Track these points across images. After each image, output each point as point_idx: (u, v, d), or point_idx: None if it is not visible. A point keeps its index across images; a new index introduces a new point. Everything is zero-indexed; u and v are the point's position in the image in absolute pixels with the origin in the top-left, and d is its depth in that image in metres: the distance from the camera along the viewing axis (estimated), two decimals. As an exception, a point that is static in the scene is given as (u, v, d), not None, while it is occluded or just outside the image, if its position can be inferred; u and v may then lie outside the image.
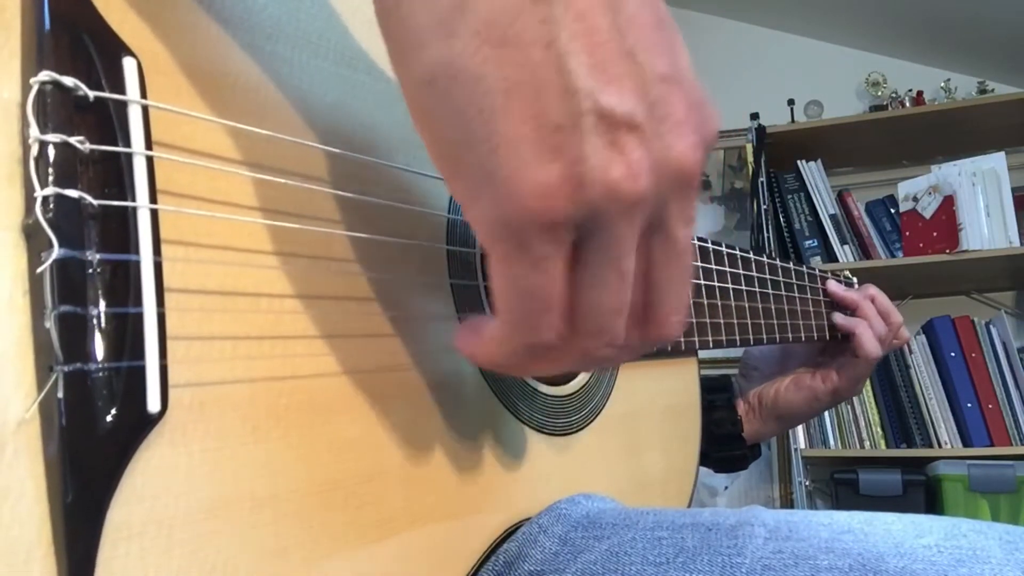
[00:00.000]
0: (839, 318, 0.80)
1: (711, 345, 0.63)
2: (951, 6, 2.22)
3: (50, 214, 0.24)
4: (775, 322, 0.73)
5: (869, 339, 0.78)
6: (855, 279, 0.90)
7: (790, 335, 0.75)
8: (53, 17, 0.25)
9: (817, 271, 0.83)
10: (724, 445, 0.77)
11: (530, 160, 0.23)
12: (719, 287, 0.65)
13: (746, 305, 0.69)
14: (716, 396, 0.78)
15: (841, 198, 2.33)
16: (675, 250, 0.27)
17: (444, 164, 0.25)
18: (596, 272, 0.26)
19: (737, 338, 0.67)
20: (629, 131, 0.23)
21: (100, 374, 0.24)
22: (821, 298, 0.82)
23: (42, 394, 0.23)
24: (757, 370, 0.83)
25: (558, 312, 0.26)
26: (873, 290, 0.83)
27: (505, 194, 0.23)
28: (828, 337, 0.81)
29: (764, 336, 0.71)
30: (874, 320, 0.80)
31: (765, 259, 0.73)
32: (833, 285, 0.83)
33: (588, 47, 0.23)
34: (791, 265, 0.78)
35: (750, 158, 2.31)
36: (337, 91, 0.36)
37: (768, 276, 0.73)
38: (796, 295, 0.77)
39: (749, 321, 0.69)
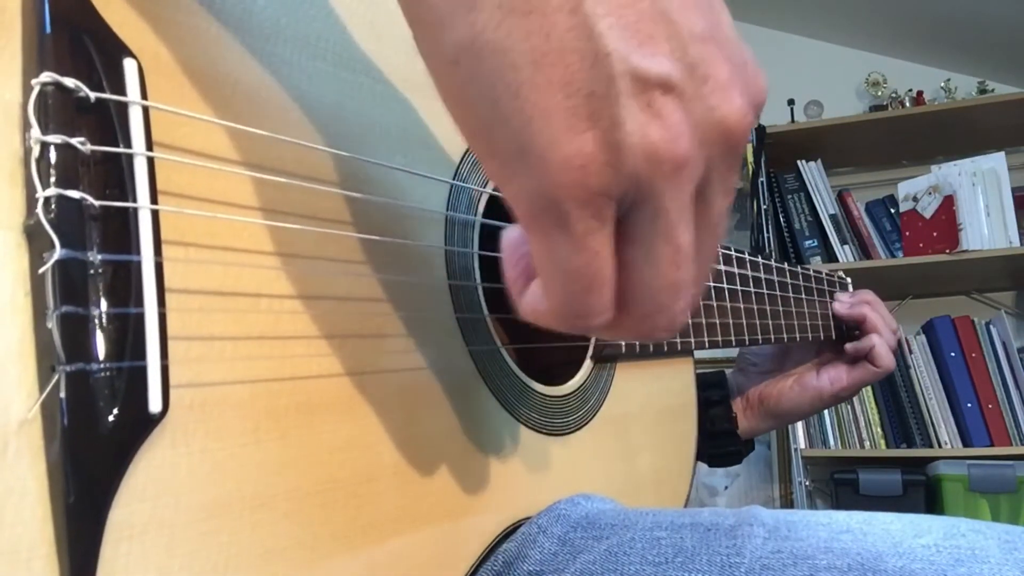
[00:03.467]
0: (852, 346, 0.81)
1: (707, 345, 0.63)
2: (951, 6, 2.22)
3: (52, 215, 0.24)
4: (771, 322, 0.73)
5: (887, 352, 0.79)
6: (849, 279, 0.90)
7: (785, 335, 0.75)
8: (54, 19, 0.25)
9: (812, 271, 0.84)
10: (719, 441, 0.77)
11: (563, 130, 0.22)
12: (715, 287, 0.65)
13: (741, 306, 0.69)
14: (711, 392, 0.78)
15: (841, 198, 2.33)
16: (711, 221, 0.25)
17: (477, 144, 0.25)
18: (647, 247, 0.24)
19: (733, 338, 0.67)
20: (666, 93, 0.22)
21: (102, 374, 0.25)
22: (816, 298, 0.82)
23: (44, 394, 0.24)
24: (755, 366, 0.83)
25: (607, 294, 0.25)
26: (870, 296, 0.84)
27: (540, 167, 0.22)
28: (823, 337, 0.81)
29: (759, 336, 0.71)
30: (885, 331, 0.80)
31: (760, 259, 0.74)
32: (839, 307, 0.83)
33: (617, 8, 0.22)
34: (786, 266, 0.78)
35: (750, 158, 2.31)
36: (336, 92, 0.36)
37: (764, 276, 0.73)
38: (792, 295, 0.78)
39: (745, 321, 0.69)
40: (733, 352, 0.82)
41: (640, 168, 0.22)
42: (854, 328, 0.83)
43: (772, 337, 0.73)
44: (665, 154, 0.22)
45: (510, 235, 0.28)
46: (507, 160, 0.23)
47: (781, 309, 0.75)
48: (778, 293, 0.75)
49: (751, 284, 0.71)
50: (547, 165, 0.22)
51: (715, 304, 0.65)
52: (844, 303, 0.83)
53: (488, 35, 0.22)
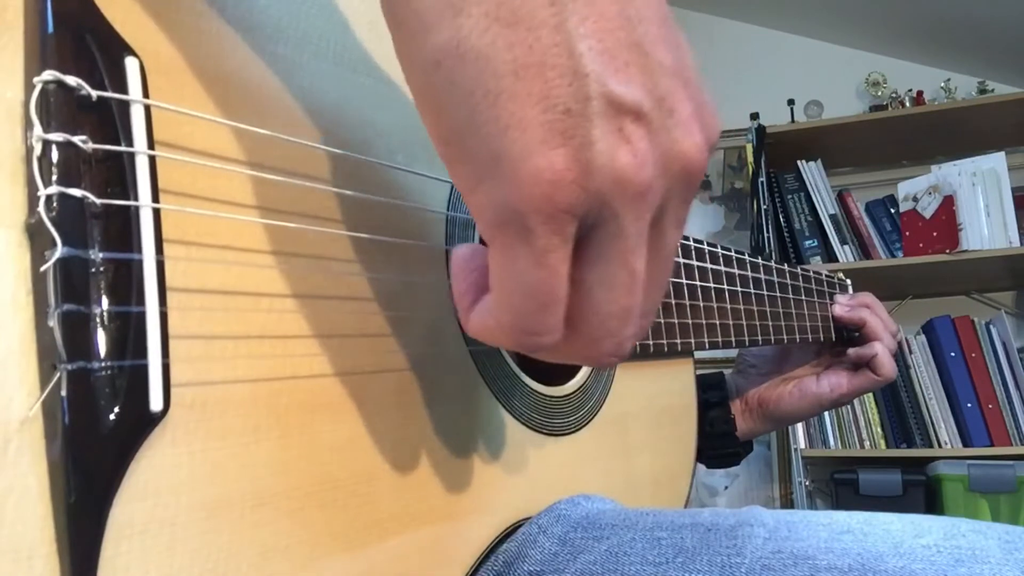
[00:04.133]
0: (855, 351, 0.80)
1: (707, 346, 0.63)
2: (951, 6, 2.22)
3: (53, 213, 0.24)
4: (771, 323, 0.73)
5: (889, 360, 0.79)
6: (849, 281, 0.90)
7: (784, 336, 0.75)
8: (56, 17, 0.25)
9: (812, 272, 0.83)
10: (717, 443, 0.77)
11: (538, 143, 0.22)
12: (715, 288, 0.65)
13: (742, 307, 0.69)
14: (710, 394, 0.78)
15: (841, 198, 2.33)
16: (663, 252, 0.26)
17: (447, 148, 0.25)
18: (603, 269, 0.25)
19: (733, 339, 0.67)
20: (636, 120, 0.23)
21: (103, 372, 0.25)
22: (816, 300, 0.82)
23: (45, 392, 0.24)
24: (754, 367, 0.83)
25: (558, 313, 0.25)
26: (870, 299, 0.84)
27: (511, 177, 0.23)
28: (823, 339, 0.81)
29: (760, 337, 0.71)
30: (885, 336, 0.80)
31: (760, 260, 0.74)
32: (838, 310, 0.83)
33: (597, 32, 0.22)
34: (786, 267, 0.78)
35: (750, 158, 2.31)
36: (338, 92, 0.36)
37: (764, 277, 0.73)
38: (791, 296, 0.78)
39: (745, 322, 0.69)
40: (732, 353, 0.82)
41: (606, 189, 0.23)
42: (854, 330, 0.83)
43: (772, 338, 0.73)
44: (631, 178, 0.23)
45: (460, 251, 0.29)
46: (477, 167, 0.24)
47: (781, 310, 0.75)
48: (778, 295, 0.75)
49: (751, 285, 0.71)
50: (518, 176, 0.23)
51: (715, 305, 0.65)
52: (844, 306, 0.83)
53: (473, 41, 0.22)
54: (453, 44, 0.23)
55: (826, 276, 0.86)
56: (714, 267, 0.65)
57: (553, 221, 0.23)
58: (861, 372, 0.79)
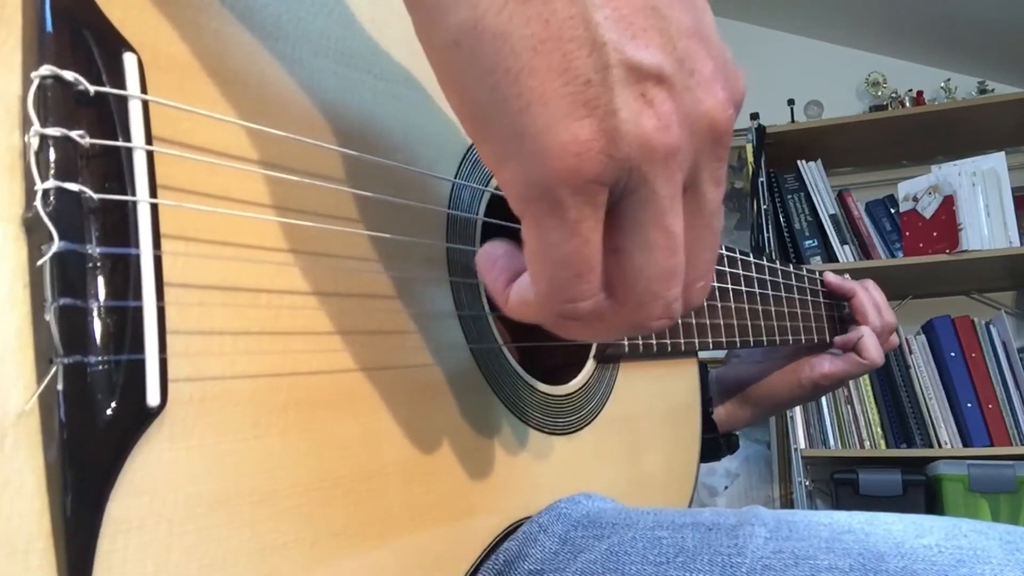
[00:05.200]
0: (841, 339, 0.80)
1: (711, 346, 0.63)
2: (951, 6, 2.22)
3: (50, 207, 0.24)
4: (775, 324, 0.73)
5: (874, 345, 0.78)
6: (849, 278, 0.90)
7: (790, 337, 0.75)
8: (54, 12, 0.25)
9: (812, 271, 0.83)
10: None
11: (561, 116, 0.22)
12: (719, 288, 0.65)
13: (746, 307, 0.69)
14: None
15: (841, 198, 2.33)
16: (705, 211, 0.26)
17: (473, 127, 0.25)
18: (640, 235, 0.25)
19: (737, 339, 0.67)
20: (658, 84, 0.23)
21: (100, 367, 0.24)
22: (822, 300, 0.82)
23: (42, 386, 0.23)
24: (738, 356, 0.83)
25: (595, 280, 0.25)
26: (870, 284, 0.83)
27: (537, 152, 0.23)
28: (828, 341, 0.81)
29: (764, 338, 0.71)
30: (871, 313, 0.80)
31: (765, 261, 0.74)
32: (830, 276, 0.83)
33: (612, 0, 0.22)
34: (791, 268, 0.78)
35: (750, 158, 2.31)
36: (337, 88, 0.36)
37: (768, 278, 0.73)
38: (796, 297, 0.77)
39: (749, 322, 0.69)
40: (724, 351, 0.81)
41: (633, 155, 0.23)
42: (843, 302, 0.82)
43: (777, 339, 0.73)
44: (658, 142, 0.23)
45: (484, 249, 0.30)
46: (503, 144, 0.24)
47: (787, 311, 0.75)
48: (783, 295, 0.75)
49: (755, 285, 0.71)
50: (543, 151, 0.23)
51: (719, 304, 0.65)
52: (837, 277, 0.83)
53: (490, 19, 0.22)
54: (471, 23, 0.23)
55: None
56: (718, 268, 0.65)
57: (583, 192, 0.23)
58: (846, 355, 0.78)
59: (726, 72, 0.25)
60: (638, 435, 0.58)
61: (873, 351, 0.77)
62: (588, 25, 0.22)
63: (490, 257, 0.29)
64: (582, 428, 0.51)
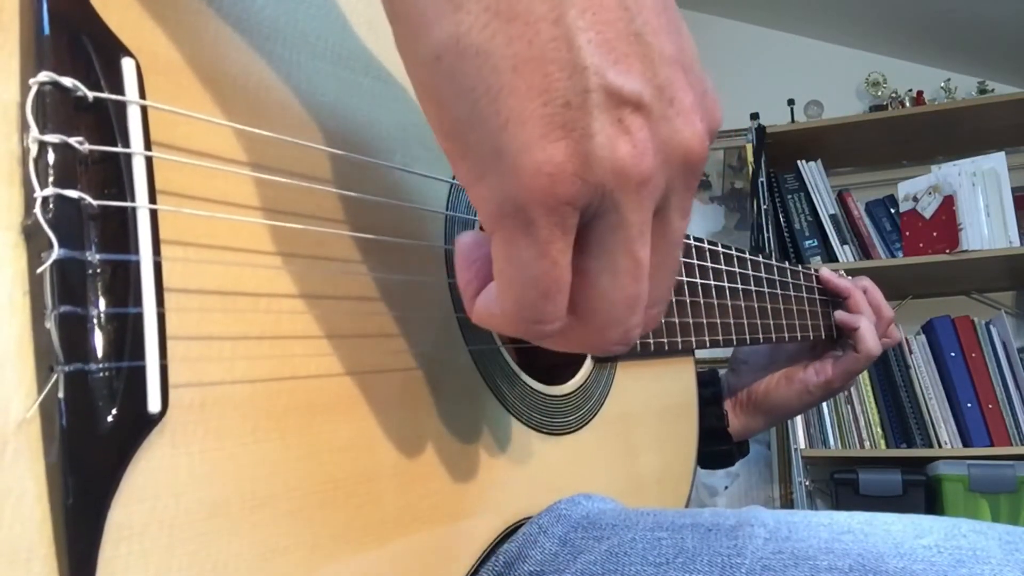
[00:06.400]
0: (841, 315, 0.80)
1: (708, 344, 0.63)
2: (951, 6, 2.22)
3: (50, 215, 0.24)
4: (771, 322, 0.73)
5: (871, 335, 0.78)
6: (850, 279, 0.90)
7: (786, 335, 0.75)
8: (52, 18, 0.25)
9: (813, 270, 0.83)
10: (709, 440, 0.77)
11: (538, 136, 0.22)
12: (715, 286, 0.65)
13: (742, 304, 0.69)
14: (703, 390, 0.77)
15: (841, 198, 2.33)
16: (670, 240, 0.26)
17: (450, 143, 0.25)
18: (606, 259, 0.25)
19: (734, 337, 0.67)
20: (636, 111, 0.23)
21: (100, 374, 0.24)
22: (817, 297, 0.82)
23: (43, 394, 0.23)
24: (746, 363, 0.83)
25: (561, 301, 0.25)
26: (866, 282, 0.83)
27: (512, 171, 0.23)
28: (824, 337, 0.81)
29: (760, 336, 0.71)
30: (865, 310, 0.80)
31: (761, 259, 0.74)
32: (826, 272, 0.83)
33: (596, 24, 0.23)
34: (787, 265, 0.78)
35: (750, 158, 2.31)
36: (335, 91, 0.36)
37: (764, 275, 0.73)
38: (792, 294, 0.77)
39: (745, 320, 0.69)
40: (729, 352, 0.82)
41: (607, 180, 0.23)
42: (838, 300, 0.82)
43: (773, 336, 0.73)
44: (631, 169, 0.23)
45: (464, 239, 0.29)
46: (478, 161, 0.24)
47: (783, 307, 0.75)
48: (779, 292, 0.75)
49: (752, 283, 0.71)
50: (519, 169, 0.23)
51: (716, 302, 0.65)
52: (833, 274, 0.83)
53: (473, 36, 0.22)
54: (453, 40, 0.23)
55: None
56: (715, 266, 0.65)
57: (554, 213, 0.23)
58: (846, 355, 0.79)
59: (704, 102, 0.25)
60: (636, 435, 0.58)
61: (869, 342, 0.78)
62: (571, 47, 0.22)
63: (468, 257, 0.29)
64: (581, 428, 0.51)
